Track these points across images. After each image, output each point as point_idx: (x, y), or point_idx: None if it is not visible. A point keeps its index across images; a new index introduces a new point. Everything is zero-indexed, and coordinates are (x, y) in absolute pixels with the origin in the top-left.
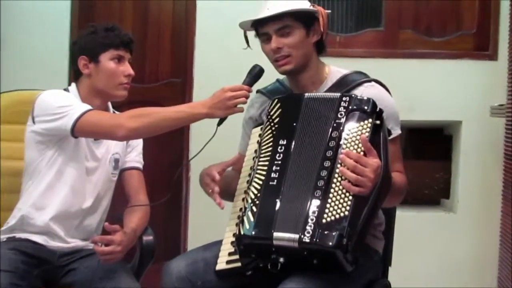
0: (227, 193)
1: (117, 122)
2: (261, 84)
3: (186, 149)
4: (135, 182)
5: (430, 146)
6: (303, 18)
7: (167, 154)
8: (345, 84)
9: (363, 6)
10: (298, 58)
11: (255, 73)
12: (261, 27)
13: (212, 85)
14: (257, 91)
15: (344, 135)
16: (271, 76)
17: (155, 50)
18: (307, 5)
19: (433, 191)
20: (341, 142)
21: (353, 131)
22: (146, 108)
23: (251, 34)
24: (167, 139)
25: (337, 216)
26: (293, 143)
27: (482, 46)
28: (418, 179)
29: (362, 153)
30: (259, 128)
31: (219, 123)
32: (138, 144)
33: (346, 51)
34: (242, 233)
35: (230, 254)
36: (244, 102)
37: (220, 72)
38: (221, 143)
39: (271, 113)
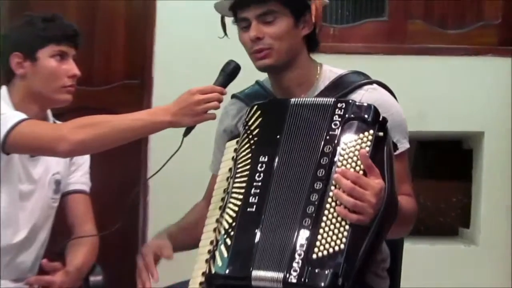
0: (189, 244)
1: (58, 134)
2: (237, 86)
3: (144, 166)
4: (81, 209)
5: (446, 163)
6: (292, 5)
7: (120, 173)
8: (341, 87)
9: None
10: (282, 52)
11: (230, 71)
12: (240, 10)
13: (176, 87)
14: (233, 96)
15: (339, 150)
16: (249, 76)
17: (106, 45)
18: None
19: (450, 219)
20: (335, 159)
21: (351, 145)
22: (94, 116)
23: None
24: (120, 153)
25: (331, 250)
26: (276, 160)
27: (508, 40)
28: (431, 203)
29: (361, 172)
30: (234, 141)
31: (186, 133)
32: (85, 161)
33: (341, 46)
34: (213, 271)
35: None
36: (217, 107)
37: (186, 70)
38: (189, 158)
39: (249, 123)
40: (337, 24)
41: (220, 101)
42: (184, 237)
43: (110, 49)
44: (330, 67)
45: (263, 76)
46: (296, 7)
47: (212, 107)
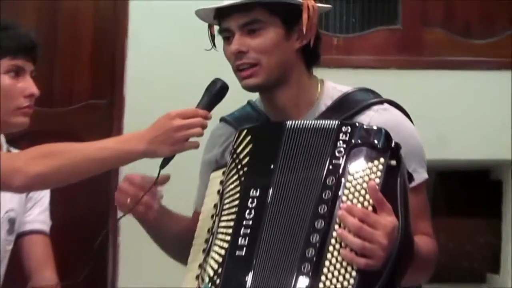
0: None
1: (12, 166)
2: (226, 107)
3: (114, 202)
4: (39, 252)
5: (471, 196)
6: (282, 12)
7: (86, 210)
8: (346, 107)
9: None
10: (270, 68)
11: (216, 92)
12: (222, 20)
13: (152, 109)
14: (221, 119)
15: (344, 181)
16: (240, 96)
17: (69, 59)
18: None
19: (476, 262)
20: (339, 193)
21: (358, 175)
22: (55, 145)
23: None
24: (86, 187)
25: None
26: (270, 193)
27: None
28: (454, 245)
29: (370, 208)
30: (220, 171)
31: (163, 165)
32: (43, 196)
33: (347, 59)
34: None
35: None
36: (200, 134)
37: (163, 89)
38: (167, 192)
39: (238, 150)
40: (341, 33)
41: (204, 127)
42: (170, 224)
43: (74, 62)
44: (334, 83)
45: (255, 96)
46: (286, 15)
47: (195, 133)
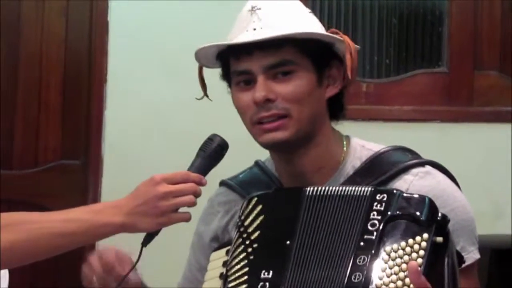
0: None
1: None
2: (225, 168)
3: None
4: None
5: None
6: (313, 52)
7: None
8: (378, 171)
9: (409, 30)
10: (301, 122)
11: (212, 151)
12: (236, 60)
13: (134, 172)
14: (221, 183)
15: (378, 262)
16: (244, 153)
17: (34, 110)
18: (321, 28)
19: None
20: (372, 275)
21: (395, 255)
22: (11, 215)
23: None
24: (56, 262)
25: None
26: (287, 277)
27: None
28: None
29: None
30: (223, 251)
31: (146, 242)
32: (1, 279)
33: (379, 110)
34: None
35: None
36: (192, 204)
37: (148, 148)
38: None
39: (246, 223)
40: (372, 77)
41: (197, 194)
42: None
43: (39, 114)
44: (362, 141)
45: (263, 154)
46: (318, 55)
47: (185, 203)
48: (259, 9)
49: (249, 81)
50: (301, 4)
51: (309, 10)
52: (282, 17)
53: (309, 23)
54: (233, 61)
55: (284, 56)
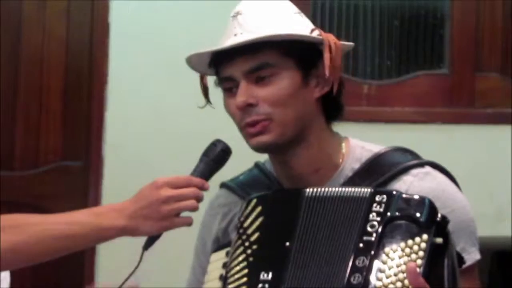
0: None
1: None
2: (227, 170)
3: (89, 282)
4: None
5: None
6: (297, 53)
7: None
8: (378, 172)
9: (410, 32)
10: (286, 124)
11: (215, 156)
12: (221, 66)
13: (135, 174)
14: (222, 185)
15: (377, 264)
16: (244, 156)
17: (35, 110)
18: (305, 28)
19: None
20: (371, 277)
21: (395, 256)
22: (12, 217)
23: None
24: (57, 265)
25: None
26: (286, 278)
27: None
28: None
29: None
30: (223, 252)
31: (147, 245)
32: (2, 279)
33: (380, 112)
34: None
35: None
36: (194, 208)
37: (150, 149)
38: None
39: (246, 225)
40: (373, 78)
41: (199, 199)
42: None
43: (40, 115)
44: (362, 142)
45: (264, 157)
46: (302, 56)
47: (187, 207)
48: (240, 14)
49: (232, 88)
50: (288, 5)
51: (297, 11)
52: (262, 21)
53: (292, 24)
54: (219, 68)
55: (263, 59)
